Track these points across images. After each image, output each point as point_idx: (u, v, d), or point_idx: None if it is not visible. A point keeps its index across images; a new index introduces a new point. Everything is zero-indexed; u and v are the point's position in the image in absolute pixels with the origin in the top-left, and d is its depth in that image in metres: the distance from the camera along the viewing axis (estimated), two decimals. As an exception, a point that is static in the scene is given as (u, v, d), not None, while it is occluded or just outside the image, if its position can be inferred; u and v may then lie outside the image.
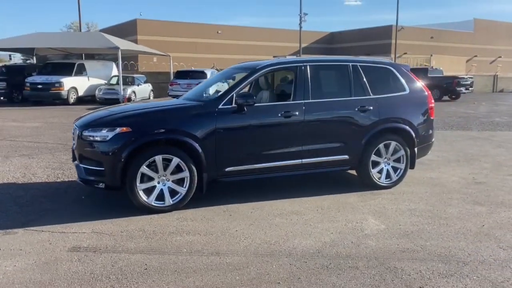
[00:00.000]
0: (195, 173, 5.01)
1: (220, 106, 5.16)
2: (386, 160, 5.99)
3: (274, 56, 39.89)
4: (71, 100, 19.68)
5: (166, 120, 5.01)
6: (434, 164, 7.61)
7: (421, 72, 26.33)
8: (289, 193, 5.70)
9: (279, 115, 5.38)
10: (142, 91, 20.94)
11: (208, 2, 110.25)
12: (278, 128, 5.43)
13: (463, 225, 4.60)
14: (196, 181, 5.03)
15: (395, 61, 42.92)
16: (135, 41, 45.77)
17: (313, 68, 5.77)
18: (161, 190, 4.91)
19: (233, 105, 5.17)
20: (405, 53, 49.77)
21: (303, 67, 5.67)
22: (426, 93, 6.34)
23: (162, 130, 4.88)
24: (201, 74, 19.11)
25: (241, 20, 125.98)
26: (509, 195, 5.74)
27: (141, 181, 4.83)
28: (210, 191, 5.58)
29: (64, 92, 19.23)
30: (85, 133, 4.90)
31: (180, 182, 4.99)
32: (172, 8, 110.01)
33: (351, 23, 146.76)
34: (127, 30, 47.47)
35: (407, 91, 6.19)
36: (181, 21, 50.12)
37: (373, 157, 5.87)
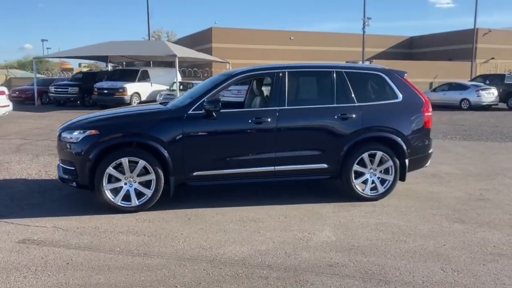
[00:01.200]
0: (162, 176, 5.17)
1: (190, 112, 5.29)
2: (372, 170, 5.71)
3: (346, 61, 39.35)
4: (134, 105, 20.95)
5: (133, 125, 5.24)
6: (449, 178, 7.10)
7: (496, 78, 24.45)
8: (264, 199, 5.67)
9: (250, 121, 5.38)
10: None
11: (282, 9, 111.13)
12: (248, 134, 5.43)
13: (421, 244, 4.28)
14: (162, 184, 5.20)
15: (475, 66, 40.25)
16: (210, 49, 47.59)
17: (292, 75, 5.70)
18: (128, 191, 5.14)
19: (203, 111, 5.27)
20: (492, 58, 46.35)
21: (280, 74, 5.62)
22: (423, 101, 5.96)
23: (127, 134, 5.13)
24: (252, 80, 19.37)
25: (317, 26, 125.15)
26: (504, 215, 5.21)
27: (109, 182, 5.10)
28: (187, 194, 5.73)
29: (127, 97, 20.52)
30: (63, 135, 5.28)
31: (147, 184, 5.19)
32: (246, 17, 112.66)
33: (439, 27, 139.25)
34: (203, 38, 49.45)
35: (399, 98, 5.86)
36: (254, 28, 50.93)
37: (356, 167, 5.64)
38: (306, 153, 5.56)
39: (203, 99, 5.33)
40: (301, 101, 5.71)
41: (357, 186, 5.68)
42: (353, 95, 5.72)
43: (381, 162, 5.72)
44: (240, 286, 3.39)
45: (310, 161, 5.57)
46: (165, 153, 5.13)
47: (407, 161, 5.77)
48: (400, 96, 5.87)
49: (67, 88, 21.98)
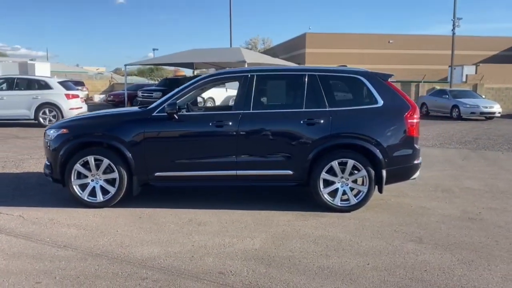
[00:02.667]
0: (125, 175, 5.41)
1: (154, 114, 5.46)
2: (343, 180, 5.36)
3: (449, 66, 36.55)
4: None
5: (99, 125, 5.57)
6: (461, 193, 6.39)
7: None
8: (233, 204, 5.60)
9: (211, 124, 5.39)
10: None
11: (380, 13, 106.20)
12: (209, 137, 5.44)
13: (344, 261, 3.93)
14: (125, 183, 5.43)
15: None
16: (303, 55, 47.68)
17: (260, 79, 5.58)
18: (94, 187, 5.47)
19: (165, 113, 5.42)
20: None
21: (249, 77, 5.54)
22: (408, 107, 5.43)
23: (92, 134, 5.46)
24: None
25: (418, 29, 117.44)
26: (481, 238, 4.54)
27: (78, 177, 5.47)
28: (158, 194, 5.92)
29: (201, 102, 21.47)
30: (46, 132, 5.79)
31: (112, 182, 5.47)
32: (342, 21, 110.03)
33: None
34: (297, 44, 49.72)
35: (379, 104, 5.42)
36: (349, 32, 49.78)
37: (325, 175, 5.33)
38: (270, 159, 5.40)
39: (166, 102, 5.47)
40: (268, 105, 5.58)
41: (326, 196, 5.37)
42: (325, 100, 5.43)
43: (354, 172, 5.34)
44: (113, 284, 3.45)
45: (274, 167, 5.40)
46: (127, 153, 5.36)
47: (384, 171, 5.30)
48: (380, 101, 5.42)
49: (152, 93, 23.61)
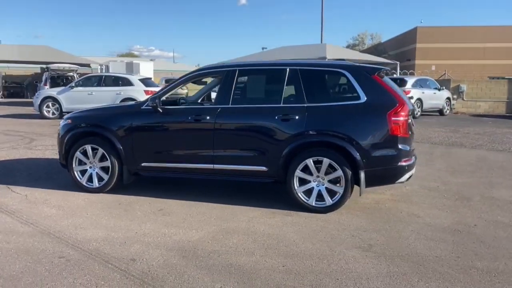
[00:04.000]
0: (116, 164, 5.80)
1: (143, 107, 5.76)
2: (319, 179, 5.10)
3: None
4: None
5: (95, 117, 6.01)
6: (474, 203, 5.63)
7: None
8: (211, 197, 5.63)
9: (189, 118, 5.51)
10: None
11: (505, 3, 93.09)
12: (187, 130, 5.57)
13: (260, 261, 3.78)
14: (116, 171, 5.81)
15: None
16: (413, 50, 45.03)
17: (242, 73, 5.56)
18: (91, 174, 5.96)
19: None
20: None
21: (230, 72, 5.55)
22: (395, 103, 4.97)
23: (89, 125, 5.93)
24: (399, 82, 17.79)
25: None
26: (447, 252, 4.01)
27: (79, 164, 6.00)
28: (159, 184, 6.23)
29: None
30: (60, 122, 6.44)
31: (107, 170, 5.89)
32: (459, 13, 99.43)
33: None
34: (407, 39, 47.00)
35: (362, 100, 5.05)
36: (466, 25, 45.51)
37: (299, 174, 5.13)
38: (244, 154, 5.35)
39: (155, 96, 5.73)
40: (247, 100, 5.52)
41: (300, 195, 5.16)
42: (303, 95, 5.21)
43: (330, 171, 5.05)
44: (33, 258, 3.77)
45: (249, 162, 5.34)
46: (117, 143, 5.73)
47: (362, 172, 4.93)
48: (364, 97, 5.04)
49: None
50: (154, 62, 50.73)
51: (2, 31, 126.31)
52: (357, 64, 5.38)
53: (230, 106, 5.42)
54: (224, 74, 5.59)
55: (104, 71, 27.98)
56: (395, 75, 22.30)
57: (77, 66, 23.30)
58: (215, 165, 5.44)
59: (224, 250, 4.02)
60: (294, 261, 3.78)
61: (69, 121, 6.08)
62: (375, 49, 50.49)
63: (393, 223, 4.79)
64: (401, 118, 4.93)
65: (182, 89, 10.06)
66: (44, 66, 23.75)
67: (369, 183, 5.05)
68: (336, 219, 4.89)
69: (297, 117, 5.11)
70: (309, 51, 22.77)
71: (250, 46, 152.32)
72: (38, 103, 16.31)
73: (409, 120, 5.21)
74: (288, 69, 5.36)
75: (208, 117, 5.41)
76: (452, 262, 3.79)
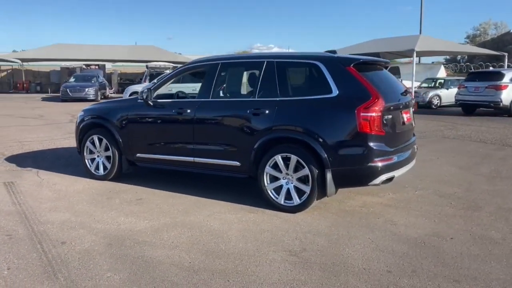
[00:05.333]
0: (116, 154, 6.15)
1: (138, 100, 6.02)
2: (288, 177, 4.86)
3: None
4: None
5: (100, 110, 6.40)
6: (474, 214, 4.87)
7: None
8: (198, 190, 5.64)
9: (173, 111, 5.61)
10: (449, 95, 19.24)
11: None
12: (172, 123, 5.67)
13: (162, 255, 3.75)
14: (117, 161, 6.17)
15: None
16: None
17: (224, 67, 5.49)
18: (98, 162, 6.40)
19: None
20: None
21: (213, 66, 5.53)
22: (368, 97, 4.51)
23: (94, 117, 6.35)
24: (495, 76, 15.72)
25: None
26: (380, 265, 3.57)
27: (90, 153, 6.48)
28: (164, 175, 6.48)
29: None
30: (80, 114, 6.99)
31: (110, 159, 6.26)
32: None
33: None
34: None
35: (334, 93, 4.68)
36: None
37: (269, 170, 4.94)
38: (220, 148, 5.30)
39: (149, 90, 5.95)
40: (226, 94, 5.43)
41: (270, 192, 4.96)
42: (277, 89, 4.99)
43: (299, 169, 4.78)
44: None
45: (224, 156, 5.28)
46: (116, 134, 6.07)
47: (328, 172, 4.58)
48: (336, 90, 4.67)
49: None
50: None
51: (139, 34, 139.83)
52: (335, 55, 4.97)
53: (209, 100, 5.41)
54: (207, 68, 5.59)
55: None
56: (501, 69, 19.84)
57: (172, 64, 24.85)
58: (195, 158, 5.48)
59: (152, 242, 4.04)
60: (207, 259, 3.67)
61: (83, 113, 6.60)
62: (499, 40, 45.48)
63: (355, 229, 4.36)
64: (372, 114, 4.44)
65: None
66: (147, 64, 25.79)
67: (338, 184, 4.67)
68: (298, 220, 4.61)
69: (267, 112, 4.91)
70: (398, 43, 21.37)
71: (361, 36, 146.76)
72: (127, 97, 17.81)
73: (389, 116, 4.67)
74: (265, 62, 5.16)
75: (189, 111, 5.46)
76: (376, 276, 3.35)
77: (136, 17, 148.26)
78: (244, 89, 5.54)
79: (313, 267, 3.50)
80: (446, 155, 8.33)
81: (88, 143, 6.41)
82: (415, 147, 5.50)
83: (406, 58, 25.56)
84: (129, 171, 6.30)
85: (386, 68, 5.49)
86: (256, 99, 5.08)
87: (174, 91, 7.01)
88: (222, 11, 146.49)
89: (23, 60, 33.25)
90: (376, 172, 4.54)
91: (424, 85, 20.51)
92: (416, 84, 20.90)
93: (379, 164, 4.53)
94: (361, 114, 4.44)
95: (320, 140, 4.58)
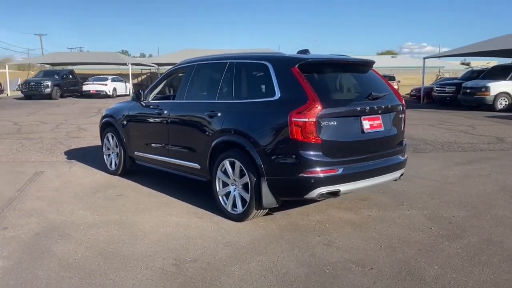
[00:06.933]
0: (122, 151, 6.56)
1: (137, 101, 6.33)
2: (236, 183, 4.65)
3: None
4: (498, 107, 18.14)
5: (113, 110, 6.82)
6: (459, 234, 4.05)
7: None
8: (180, 192, 5.74)
9: (155, 112, 5.77)
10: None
11: None
12: (155, 124, 5.83)
13: (67, 249, 3.89)
14: (122, 157, 6.57)
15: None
16: None
17: (199, 68, 5.48)
18: (112, 158, 6.87)
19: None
20: None
21: (189, 67, 5.59)
22: (305, 101, 4.06)
23: (107, 116, 6.83)
24: None
25: None
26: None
27: (107, 149, 7.00)
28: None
29: (489, 97, 18.08)
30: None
31: (118, 155, 6.70)
32: None
33: None
34: None
35: (276, 96, 4.33)
36: None
37: (220, 175, 4.79)
38: (185, 150, 5.32)
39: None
40: (196, 96, 5.38)
41: (221, 197, 4.81)
42: (233, 90, 4.82)
43: (241, 175, 4.55)
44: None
45: (188, 158, 5.28)
46: (120, 132, 6.48)
47: (263, 180, 4.27)
48: (278, 93, 4.32)
49: (445, 87, 21.61)
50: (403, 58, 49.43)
51: (283, 37, 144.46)
52: (286, 54, 4.55)
53: (181, 101, 5.46)
54: (185, 69, 5.63)
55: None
56: None
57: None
58: (169, 159, 5.57)
59: (73, 236, 4.22)
60: (96, 259, 3.72)
61: (104, 112, 7.16)
62: None
63: (275, 246, 3.95)
64: (304, 119, 3.98)
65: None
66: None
67: (276, 194, 4.30)
68: (232, 229, 4.38)
69: (219, 114, 4.76)
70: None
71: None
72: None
73: (333, 123, 4.11)
74: (227, 63, 5.00)
75: (165, 112, 5.56)
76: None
77: (281, 20, 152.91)
78: (209, 90, 5.42)
79: (181, 282, 3.31)
80: (506, 172, 6.94)
81: (105, 140, 6.94)
82: (400, 157, 4.76)
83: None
84: (132, 168, 6.63)
85: (364, 67, 4.84)
86: (213, 101, 4.97)
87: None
88: (369, 10, 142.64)
89: (159, 64, 36.98)
90: (309, 185, 4.05)
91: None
92: None
93: (313, 175, 4.03)
94: (293, 119, 4.02)
95: (257, 146, 4.27)
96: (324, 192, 4.10)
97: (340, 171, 4.13)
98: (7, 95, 32.14)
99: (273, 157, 4.18)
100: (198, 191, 5.68)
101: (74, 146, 9.56)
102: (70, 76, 30.67)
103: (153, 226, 4.51)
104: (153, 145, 5.87)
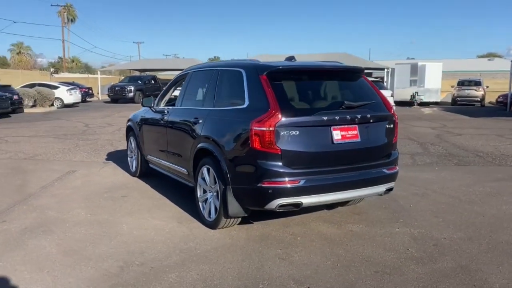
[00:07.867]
0: (139, 154, 6.89)
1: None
2: (212, 190, 4.68)
3: None
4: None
5: (134, 115, 7.14)
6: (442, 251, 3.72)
7: None
8: (179, 196, 5.91)
9: (159, 117, 5.98)
10: None
11: None
12: (159, 129, 6.02)
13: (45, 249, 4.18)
14: (139, 160, 6.88)
15: None
16: None
17: (193, 76, 5.58)
18: (133, 160, 7.22)
19: (152, 105, 6.47)
20: None
21: (187, 75, 5.75)
22: (266, 109, 3.98)
23: (129, 120, 7.19)
24: None
25: None
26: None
27: (131, 152, 7.38)
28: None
29: None
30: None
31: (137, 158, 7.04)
32: None
33: None
34: None
35: (245, 104, 4.31)
36: None
37: (200, 181, 4.86)
38: (177, 155, 5.46)
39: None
40: (189, 102, 5.49)
41: (200, 204, 4.87)
42: (214, 97, 4.87)
43: (215, 183, 4.57)
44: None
45: (179, 163, 5.41)
46: (138, 135, 6.80)
47: (228, 189, 4.26)
48: (247, 101, 4.29)
49: None
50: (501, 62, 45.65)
51: (373, 41, 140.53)
52: (262, 62, 4.45)
53: (177, 107, 5.63)
54: (185, 76, 5.77)
55: (389, 74, 28.15)
56: None
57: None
58: (168, 163, 5.75)
59: (56, 232, 4.53)
60: (67, 246, 3.97)
61: (128, 117, 7.56)
62: None
63: (227, 257, 3.91)
64: (263, 128, 3.88)
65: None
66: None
67: (242, 203, 4.25)
68: (201, 237, 4.41)
69: (200, 121, 4.82)
70: None
71: None
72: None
73: (295, 132, 3.95)
74: (215, 70, 5.05)
75: (165, 117, 5.75)
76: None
77: (372, 20, 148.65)
78: (199, 97, 5.48)
79: (112, 284, 3.41)
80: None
81: (129, 143, 7.33)
82: (385, 170, 4.44)
83: None
84: (148, 171, 6.90)
85: (347, 74, 4.59)
86: (199, 108, 5.05)
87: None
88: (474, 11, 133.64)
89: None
90: (268, 195, 3.94)
91: None
92: None
93: (272, 186, 3.92)
94: (253, 128, 3.95)
95: (224, 154, 4.27)
96: (284, 203, 3.97)
97: (302, 182, 3.97)
98: (98, 98, 35.06)
99: (237, 166, 4.14)
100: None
101: (121, 147, 10.15)
102: (152, 82, 32.58)
103: (131, 228, 4.68)
104: (158, 149, 6.08)
